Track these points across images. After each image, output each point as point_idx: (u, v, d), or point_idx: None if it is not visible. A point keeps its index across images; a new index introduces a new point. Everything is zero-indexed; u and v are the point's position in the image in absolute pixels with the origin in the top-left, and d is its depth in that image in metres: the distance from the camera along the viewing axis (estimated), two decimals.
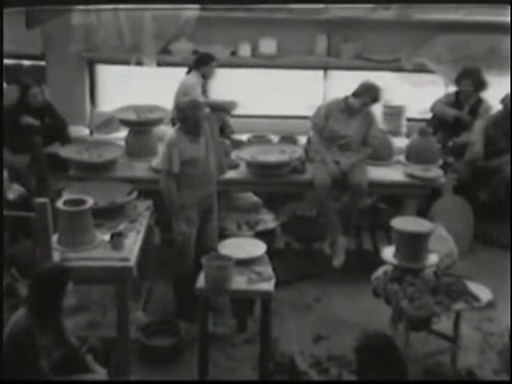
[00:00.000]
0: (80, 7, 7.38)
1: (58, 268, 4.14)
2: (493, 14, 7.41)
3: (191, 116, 5.37)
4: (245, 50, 7.77)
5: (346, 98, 6.22)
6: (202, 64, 7.00)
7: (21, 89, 6.93)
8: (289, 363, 5.01)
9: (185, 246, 5.47)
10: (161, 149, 5.87)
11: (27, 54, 7.85)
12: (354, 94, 6.17)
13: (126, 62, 7.67)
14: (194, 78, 6.98)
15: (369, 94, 6.13)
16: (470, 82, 7.05)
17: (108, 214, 5.32)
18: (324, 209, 6.23)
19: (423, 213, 6.33)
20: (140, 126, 6.62)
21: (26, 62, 8.00)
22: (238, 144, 6.92)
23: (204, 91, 7.35)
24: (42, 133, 6.76)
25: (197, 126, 5.40)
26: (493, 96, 7.19)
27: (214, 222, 5.70)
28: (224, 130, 7.13)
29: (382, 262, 5.14)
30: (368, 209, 6.79)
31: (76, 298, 5.03)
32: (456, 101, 7.20)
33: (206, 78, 7.09)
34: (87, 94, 8.09)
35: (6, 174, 6.00)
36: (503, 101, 7.02)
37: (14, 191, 6.04)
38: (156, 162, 6.29)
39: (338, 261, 6.21)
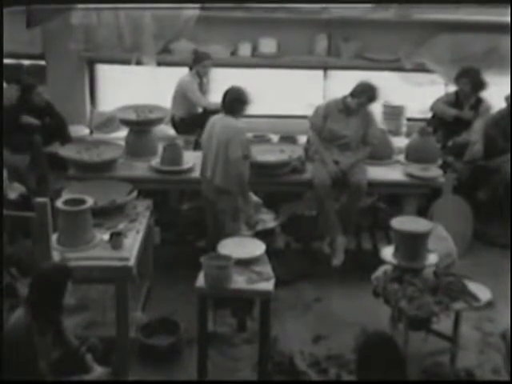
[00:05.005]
0: (80, 7, 7.39)
1: (59, 267, 4.13)
2: (493, 13, 7.42)
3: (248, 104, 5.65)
4: (245, 50, 7.77)
5: (344, 98, 6.22)
6: (196, 62, 7.30)
7: (21, 88, 6.93)
8: (288, 363, 5.00)
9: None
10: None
11: (27, 53, 7.85)
12: (351, 94, 6.17)
13: (126, 62, 7.68)
14: (189, 77, 7.32)
15: (365, 93, 6.12)
16: (468, 80, 7.05)
17: (108, 214, 5.32)
18: (323, 208, 6.23)
19: (423, 212, 6.33)
20: (140, 126, 6.62)
21: (26, 62, 8.00)
22: None
23: (204, 91, 7.36)
24: (41, 132, 6.75)
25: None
26: (493, 96, 7.20)
27: None
28: None
29: (382, 262, 5.14)
30: (367, 208, 6.78)
31: (75, 298, 5.06)
32: (456, 100, 7.20)
33: (200, 75, 7.27)
34: (87, 94, 8.10)
35: (5, 173, 5.99)
36: (507, 99, 7.01)
37: (14, 190, 6.02)
38: (156, 161, 6.30)
39: (338, 260, 6.21)
